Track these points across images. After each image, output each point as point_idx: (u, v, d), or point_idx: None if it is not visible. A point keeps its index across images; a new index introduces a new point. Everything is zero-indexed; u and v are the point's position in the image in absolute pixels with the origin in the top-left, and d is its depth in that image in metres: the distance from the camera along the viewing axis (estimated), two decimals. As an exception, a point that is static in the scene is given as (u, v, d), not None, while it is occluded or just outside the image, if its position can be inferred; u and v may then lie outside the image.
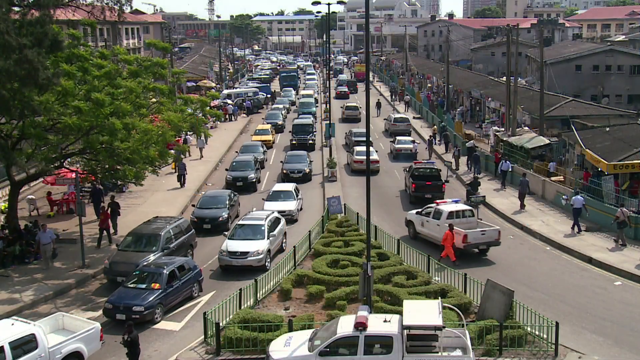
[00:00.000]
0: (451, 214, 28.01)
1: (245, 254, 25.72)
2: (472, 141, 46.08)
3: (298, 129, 52.64)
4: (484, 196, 33.99)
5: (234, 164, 40.06)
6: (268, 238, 26.74)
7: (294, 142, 50.98)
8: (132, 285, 22.02)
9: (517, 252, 28.05)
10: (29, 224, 28.93)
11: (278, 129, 59.39)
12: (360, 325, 16.44)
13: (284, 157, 43.76)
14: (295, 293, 22.43)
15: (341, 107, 69.95)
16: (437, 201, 30.18)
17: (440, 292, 21.07)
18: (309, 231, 27.73)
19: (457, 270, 22.60)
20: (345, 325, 16.83)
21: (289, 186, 35.19)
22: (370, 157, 47.05)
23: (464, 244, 26.64)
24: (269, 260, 26.21)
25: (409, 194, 36.70)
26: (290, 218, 32.10)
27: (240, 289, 21.40)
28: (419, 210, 30.14)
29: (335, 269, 23.66)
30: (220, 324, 18.99)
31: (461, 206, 29.16)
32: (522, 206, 33.88)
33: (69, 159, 29.49)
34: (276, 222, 28.36)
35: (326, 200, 32.46)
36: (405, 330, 16.48)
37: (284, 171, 41.01)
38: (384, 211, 34.16)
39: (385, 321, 16.83)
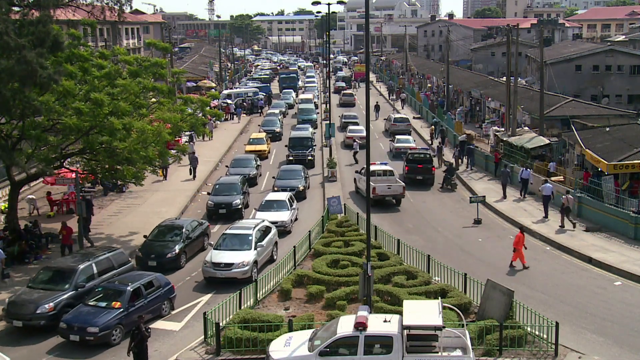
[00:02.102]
0: (373, 172, 34.66)
1: (229, 265, 24.41)
2: (464, 135, 47.15)
3: (295, 142, 46.82)
4: (484, 196, 34.03)
5: (217, 186, 34.78)
6: (255, 248, 25.40)
7: (290, 157, 45.43)
8: (92, 303, 20.41)
9: (517, 252, 28.04)
10: (29, 223, 28.95)
11: (275, 136, 55.06)
12: (360, 325, 16.44)
13: (277, 172, 39.80)
14: (295, 293, 22.42)
15: (338, 94, 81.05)
16: (371, 162, 36.95)
17: (440, 292, 21.07)
18: (309, 231, 27.72)
19: (456, 270, 22.58)
20: (345, 325, 16.83)
21: (283, 195, 32.90)
22: (359, 134, 51.36)
23: (374, 195, 33.66)
24: (255, 271, 24.87)
25: (403, 176, 39.43)
26: (283, 230, 30.22)
27: (240, 289, 21.42)
28: (358, 169, 38.35)
29: (335, 269, 23.65)
30: (220, 324, 18.99)
31: (385, 167, 37.04)
32: (504, 196, 36.15)
33: (69, 159, 29.49)
34: (266, 231, 27.00)
35: (326, 200, 32.45)
36: (405, 330, 16.48)
37: (275, 188, 36.57)
38: (384, 211, 34.17)
39: (385, 321, 16.83)
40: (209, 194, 34.94)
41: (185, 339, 20.15)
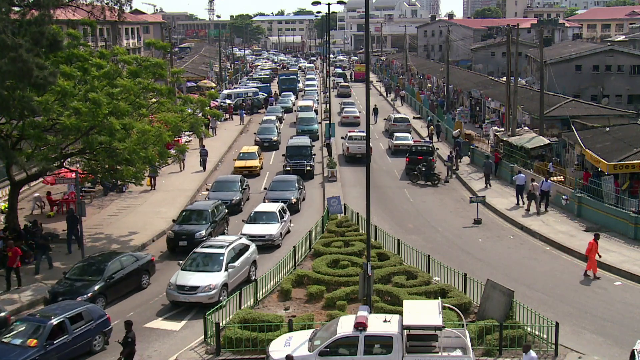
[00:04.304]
0: (350, 137, 47.10)
1: (194, 288, 22.17)
2: (457, 130, 48.84)
3: (293, 151, 43.41)
4: (484, 196, 34.03)
5: (184, 213, 30.22)
6: (226, 270, 23.09)
7: (287, 168, 42.12)
8: (6, 340, 17.70)
9: (517, 252, 28.07)
10: (29, 223, 28.93)
11: (272, 145, 51.34)
12: (360, 325, 16.44)
13: (269, 183, 37.15)
14: (295, 293, 22.43)
15: (335, 87, 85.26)
16: (350, 129, 51.53)
17: (440, 292, 21.07)
18: (309, 231, 27.71)
19: (456, 270, 22.57)
20: (345, 325, 16.84)
21: (273, 207, 30.72)
22: (354, 114, 61.29)
23: (347, 153, 46.34)
24: (225, 295, 22.47)
25: (405, 167, 42.82)
26: (271, 244, 28.48)
27: (240, 289, 21.42)
28: (343, 136, 50.63)
29: (335, 269, 23.65)
30: (220, 324, 19.00)
31: (360, 134, 47.37)
32: (488, 185, 38.44)
33: (69, 159, 29.49)
34: (242, 250, 24.71)
35: (326, 200, 32.43)
36: (405, 330, 16.49)
37: (266, 201, 33.89)
38: (384, 211, 34.19)
39: (385, 321, 16.83)
40: (174, 221, 30.35)
41: (185, 339, 20.14)
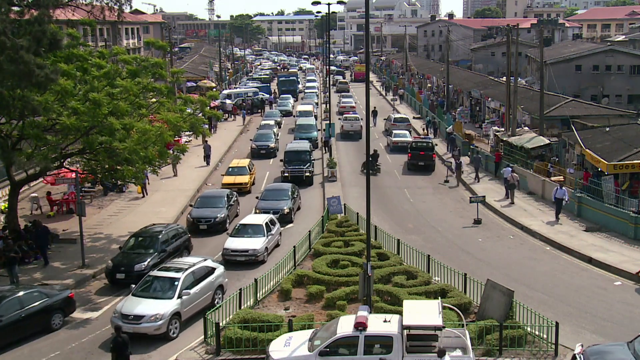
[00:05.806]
0: (346, 118, 57.82)
1: (139, 317, 19.71)
2: (450, 127, 50.28)
3: (291, 156, 41.23)
4: (484, 196, 34.03)
5: (132, 239, 26.41)
6: (179, 297, 20.63)
7: (285, 174, 39.87)
8: None
9: (517, 252, 28.08)
10: (29, 223, 28.92)
11: (270, 152, 48.95)
12: (360, 325, 16.44)
13: (261, 192, 35.22)
14: (295, 293, 22.43)
15: (334, 84, 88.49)
16: (346, 113, 61.05)
17: (440, 292, 21.08)
18: (309, 231, 27.70)
19: (456, 270, 22.57)
20: (345, 325, 16.84)
21: (260, 219, 28.74)
22: (350, 104, 70.54)
23: (342, 130, 56.05)
24: (176, 325, 20.45)
25: (406, 162, 44.53)
26: (254, 260, 26.48)
27: (240, 289, 21.43)
28: (340, 118, 60.01)
29: (335, 269, 23.65)
30: (220, 324, 19.01)
31: (354, 115, 58.74)
32: (478, 179, 39.96)
33: (68, 159, 29.48)
34: (205, 274, 22.26)
35: (326, 200, 32.43)
36: (405, 330, 16.49)
37: (257, 211, 32.18)
38: (384, 211, 34.18)
39: (385, 321, 16.83)
40: (120, 248, 26.58)
41: (185, 339, 20.14)
